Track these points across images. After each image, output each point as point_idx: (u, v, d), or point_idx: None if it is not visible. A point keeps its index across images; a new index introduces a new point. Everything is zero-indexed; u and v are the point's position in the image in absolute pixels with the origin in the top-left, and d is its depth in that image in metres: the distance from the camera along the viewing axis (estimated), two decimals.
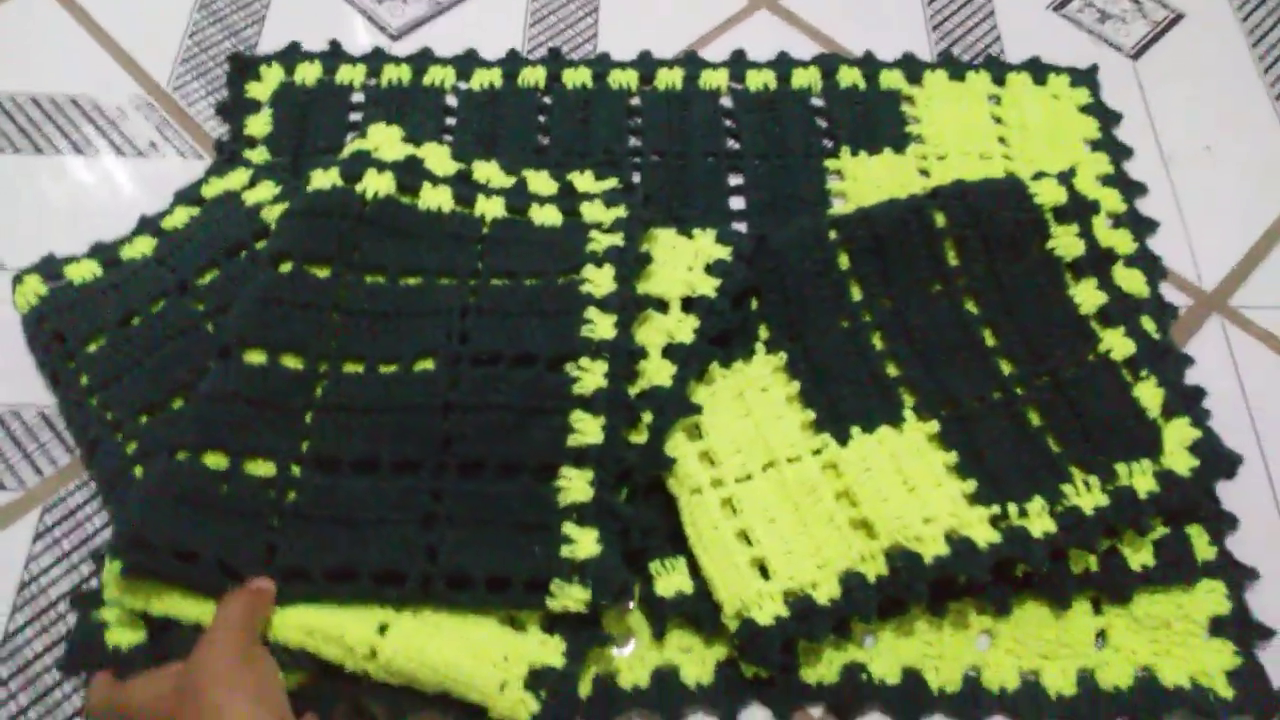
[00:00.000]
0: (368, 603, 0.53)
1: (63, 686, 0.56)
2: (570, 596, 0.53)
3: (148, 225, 0.71)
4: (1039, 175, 0.67)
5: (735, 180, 0.76)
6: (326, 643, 0.52)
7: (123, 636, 0.56)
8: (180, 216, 0.71)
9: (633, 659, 0.57)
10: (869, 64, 0.82)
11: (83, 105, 0.79)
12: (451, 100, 0.80)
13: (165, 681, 0.48)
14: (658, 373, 0.60)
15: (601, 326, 0.59)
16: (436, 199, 0.66)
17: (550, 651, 0.53)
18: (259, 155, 0.76)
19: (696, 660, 0.57)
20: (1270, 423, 0.67)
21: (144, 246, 0.69)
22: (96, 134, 0.78)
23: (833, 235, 0.66)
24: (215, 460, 0.56)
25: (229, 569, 0.53)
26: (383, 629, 0.52)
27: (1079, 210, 0.66)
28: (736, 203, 0.74)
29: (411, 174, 0.67)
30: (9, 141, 0.77)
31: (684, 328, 0.62)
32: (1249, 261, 0.74)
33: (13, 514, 0.62)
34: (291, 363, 0.59)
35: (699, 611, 0.57)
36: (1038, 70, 0.82)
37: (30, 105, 0.79)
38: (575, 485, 0.55)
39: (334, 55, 0.82)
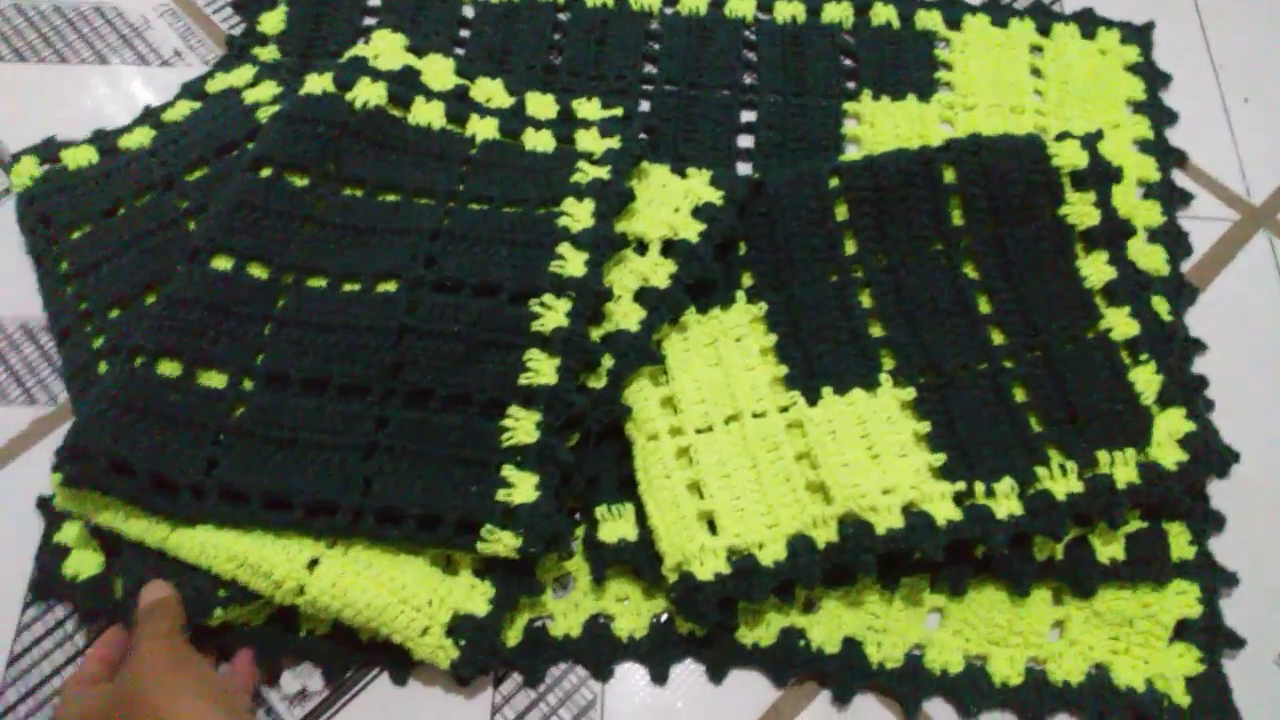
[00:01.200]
0: (299, 534, 0.53)
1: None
2: (501, 542, 0.52)
3: (149, 116, 0.71)
4: (1062, 136, 0.63)
5: (748, 117, 0.72)
6: (255, 576, 0.52)
7: (80, 565, 0.57)
8: (182, 109, 0.71)
9: (567, 605, 0.56)
10: (906, 3, 0.77)
11: (106, 13, 0.78)
12: (469, 11, 0.77)
13: (95, 701, 0.48)
14: (625, 317, 0.59)
15: (572, 263, 0.58)
16: (427, 114, 0.65)
17: (477, 598, 0.53)
18: (269, 53, 0.75)
19: (632, 611, 0.56)
20: None
21: (142, 137, 0.69)
22: (121, 43, 0.77)
23: (833, 183, 0.63)
24: (169, 368, 0.56)
25: (165, 483, 0.53)
26: (312, 564, 0.52)
27: (1099, 177, 0.62)
28: (745, 141, 0.71)
29: (406, 85, 0.65)
30: (33, 51, 0.76)
31: (660, 272, 0.60)
32: None
33: (47, 427, 0.62)
34: (257, 271, 0.59)
35: (640, 561, 0.56)
36: (1088, 23, 0.76)
37: (53, 13, 0.78)
38: (521, 426, 0.54)
39: None
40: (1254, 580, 0.57)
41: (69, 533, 0.58)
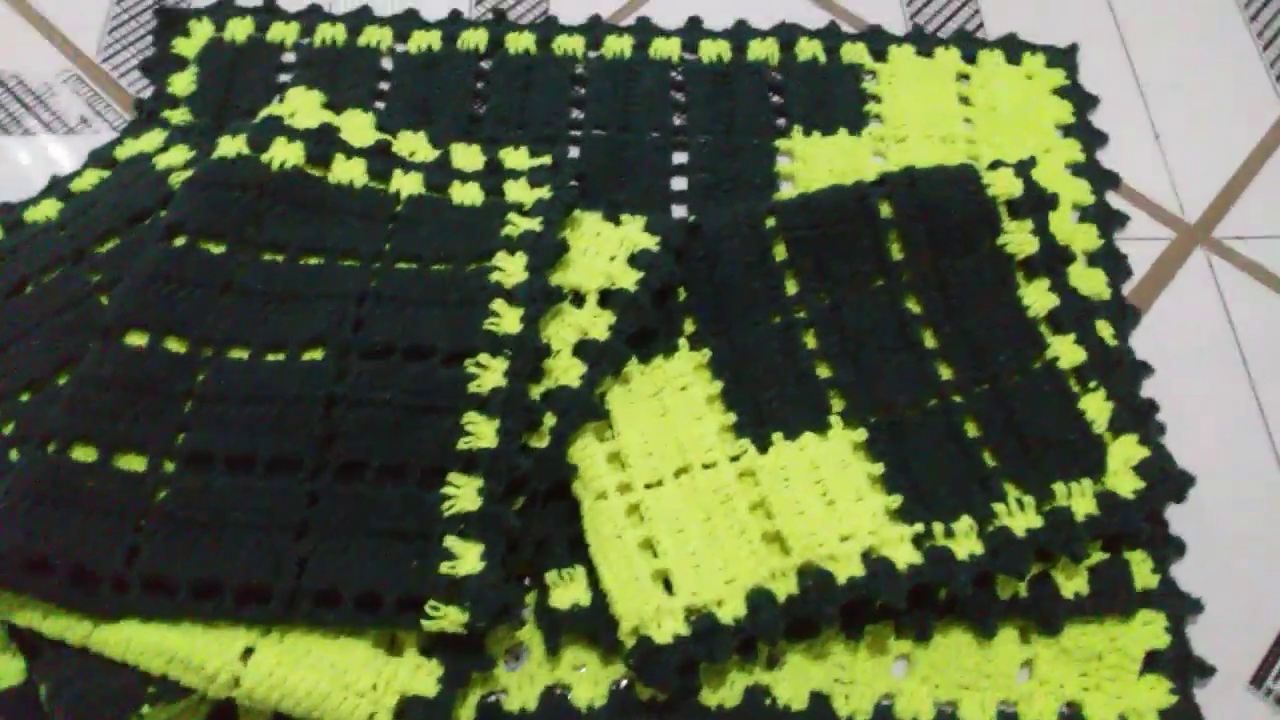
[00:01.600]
0: (231, 623, 0.50)
1: None
2: (447, 618, 0.49)
3: (56, 187, 0.67)
4: (995, 164, 0.62)
5: (680, 158, 0.71)
6: (186, 670, 0.48)
7: (1, 672, 0.53)
8: (90, 178, 0.68)
9: (522, 678, 0.54)
10: (831, 36, 0.76)
11: (5, 81, 0.75)
12: (387, 63, 0.76)
13: None
14: (565, 372, 0.56)
15: (507, 320, 0.56)
16: (349, 172, 0.62)
17: (424, 678, 0.50)
18: (181, 116, 0.72)
19: (590, 680, 0.54)
20: (1262, 358, 0.65)
21: (49, 209, 0.66)
22: (23, 111, 0.74)
23: (770, 223, 0.62)
24: (84, 453, 0.52)
25: (84, 576, 0.49)
26: (247, 654, 0.49)
27: (1035, 205, 0.61)
28: (679, 183, 0.70)
29: (324, 144, 0.62)
30: None
31: (599, 324, 0.58)
32: (1230, 192, 0.72)
33: None
34: (174, 345, 0.56)
35: (596, 626, 0.53)
36: (1012, 48, 0.76)
37: None
38: (463, 494, 0.52)
39: (267, 11, 0.78)
40: (1219, 605, 0.56)
41: None
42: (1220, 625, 0.56)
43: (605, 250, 0.61)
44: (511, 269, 0.57)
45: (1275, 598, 0.57)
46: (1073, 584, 0.55)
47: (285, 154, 0.61)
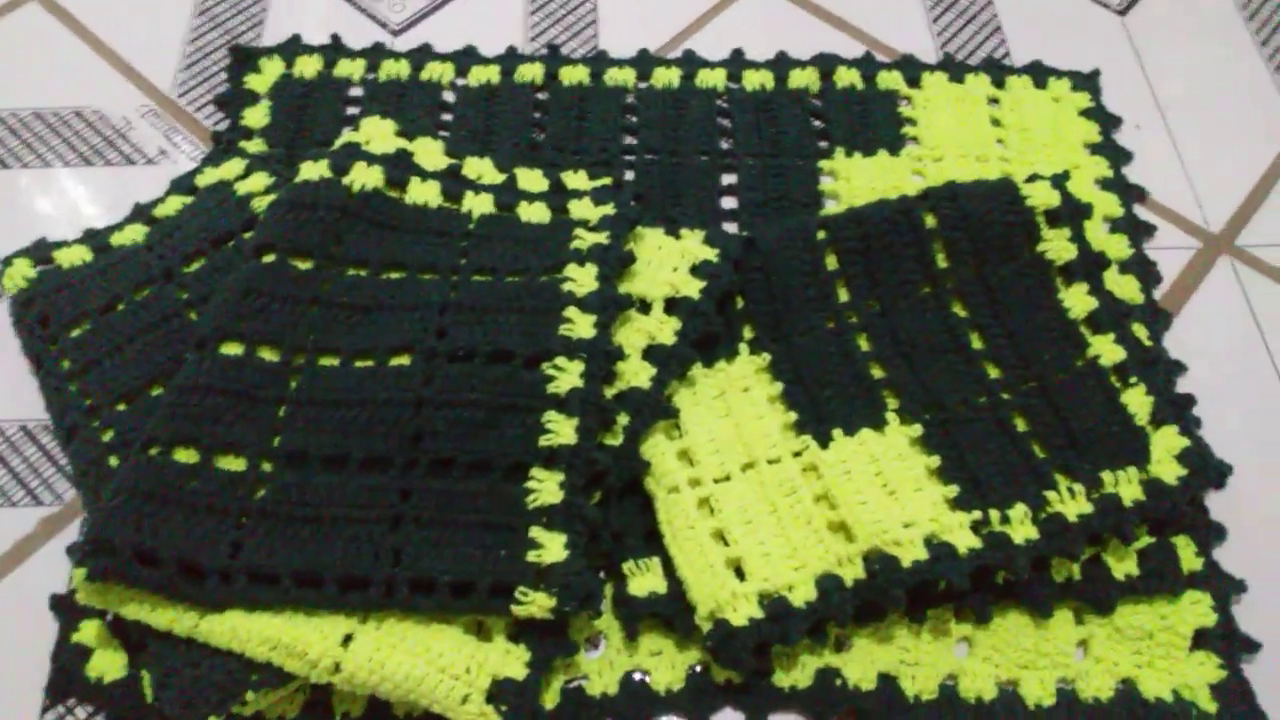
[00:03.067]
0: (331, 611, 0.53)
1: None
2: (535, 603, 0.52)
3: (140, 213, 0.71)
4: (1033, 178, 0.66)
5: (729, 180, 0.75)
6: (289, 656, 0.51)
7: (104, 666, 0.56)
8: (173, 204, 0.71)
9: (602, 664, 0.56)
10: (868, 65, 0.81)
11: (86, 117, 0.79)
12: (449, 96, 0.80)
13: None
14: (636, 374, 0.60)
15: (580, 326, 0.59)
16: (424, 194, 0.66)
17: (513, 662, 0.53)
18: (255, 146, 0.76)
19: (667, 665, 0.56)
20: None
21: (135, 234, 0.69)
22: (105, 145, 0.78)
23: (821, 235, 0.65)
24: (186, 455, 0.56)
25: (191, 569, 0.52)
26: (346, 640, 0.52)
27: (1072, 214, 0.65)
28: (729, 203, 0.74)
29: (400, 168, 0.66)
30: (16, 158, 0.77)
31: (665, 329, 0.62)
32: (1250, 203, 0.76)
33: (55, 526, 0.62)
34: (267, 355, 0.59)
35: (672, 612, 0.56)
36: (1039, 74, 0.81)
37: (33, 120, 0.79)
38: (545, 487, 0.55)
39: (334, 49, 0.82)
40: (1260, 585, 0.59)
41: (88, 632, 0.57)
42: (1263, 604, 0.59)
43: (668, 262, 0.64)
44: (582, 279, 0.61)
45: None
46: (1123, 566, 0.58)
47: (365, 177, 0.65)
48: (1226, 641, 0.57)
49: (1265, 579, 0.59)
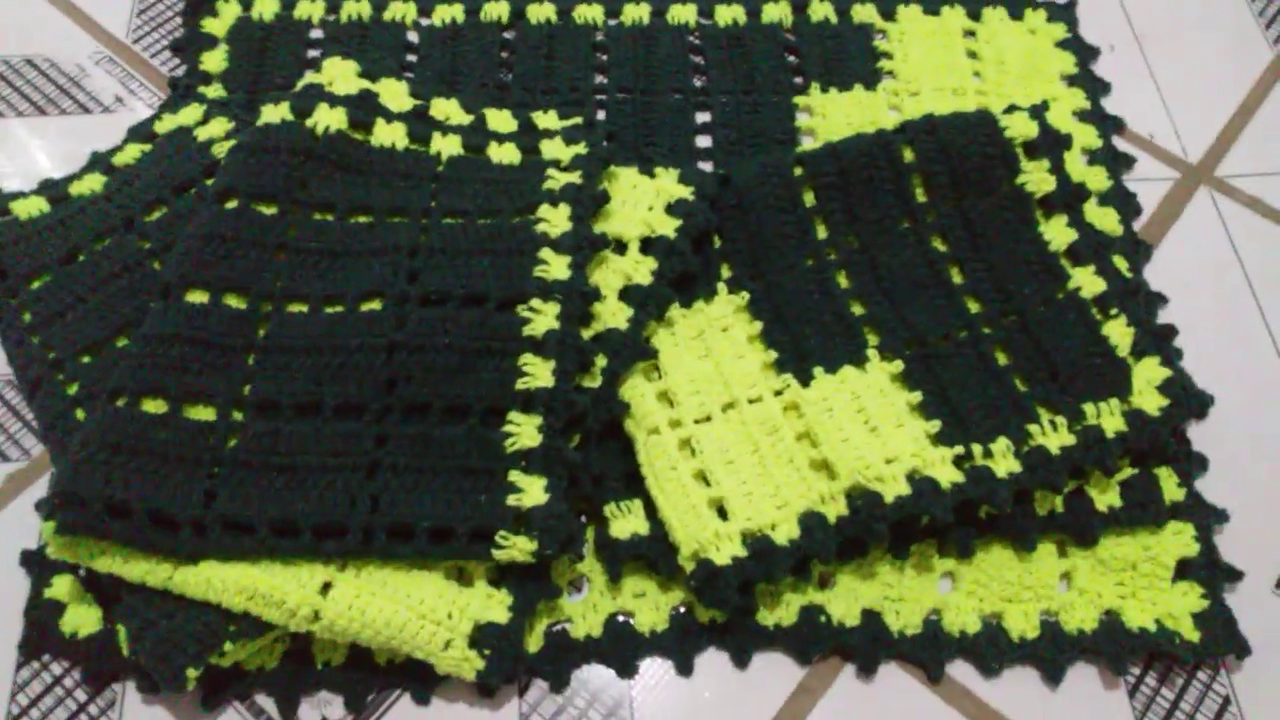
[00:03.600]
0: (309, 560, 0.52)
1: None
2: (516, 547, 0.51)
3: (99, 162, 0.69)
4: (1011, 109, 0.65)
5: (702, 118, 0.74)
6: (267, 606, 0.50)
7: (78, 621, 0.55)
8: (131, 153, 0.69)
9: (585, 606, 0.56)
10: None
11: (38, 64, 0.77)
12: (412, 36, 0.78)
13: None
14: (613, 315, 0.59)
15: (555, 267, 0.58)
16: (390, 135, 0.64)
17: (495, 606, 0.52)
18: (215, 91, 0.74)
19: (651, 606, 0.56)
20: (1267, 287, 0.68)
21: (93, 183, 0.67)
22: (59, 93, 0.75)
23: (798, 171, 0.64)
24: (154, 405, 0.54)
25: (164, 520, 0.51)
26: (325, 588, 0.51)
27: (1051, 145, 0.64)
28: (703, 141, 0.73)
29: (365, 109, 0.64)
30: None
31: (642, 269, 0.60)
32: (1228, 134, 0.75)
33: (22, 483, 0.60)
34: (234, 302, 0.58)
35: (655, 554, 0.55)
36: (1015, 5, 0.79)
37: None
38: (524, 431, 0.54)
39: None
40: (1242, 515, 0.59)
41: (60, 588, 0.56)
42: (1245, 533, 0.59)
43: (643, 201, 0.63)
44: (556, 219, 0.60)
45: None
46: (1106, 498, 0.58)
47: (328, 119, 0.63)
48: (1209, 571, 0.57)
49: (1246, 507, 0.59)
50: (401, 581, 0.52)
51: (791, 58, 0.77)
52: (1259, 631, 0.55)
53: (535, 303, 0.57)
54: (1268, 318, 0.66)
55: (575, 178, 0.62)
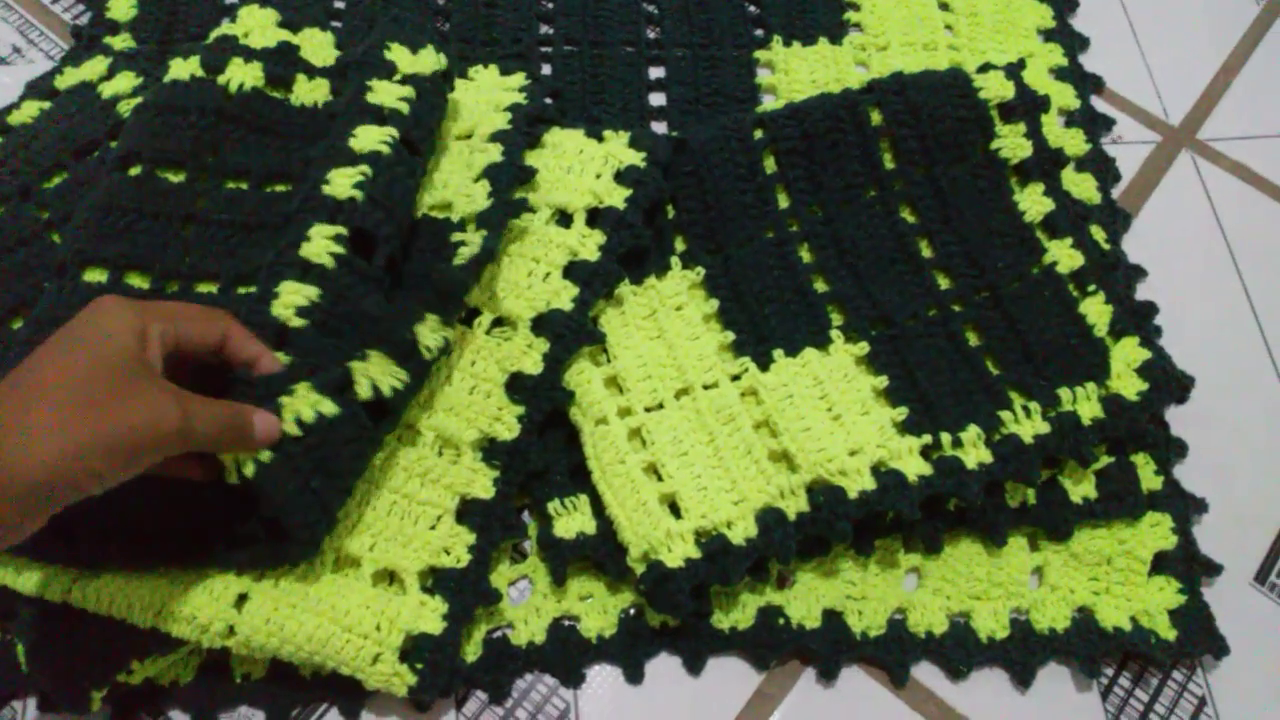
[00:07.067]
0: (222, 571, 0.47)
1: None
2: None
3: None
4: (985, 67, 0.61)
5: (656, 73, 0.68)
6: (177, 622, 0.46)
7: None
8: (29, 110, 0.63)
9: (527, 610, 0.52)
10: None
11: None
12: None
13: None
14: (557, 295, 0.54)
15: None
16: (312, 93, 0.59)
17: (428, 615, 0.48)
18: (123, 42, 0.68)
19: (598, 609, 0.52)
20: (1250, 257, 0.65)
21: None
22: None
23: (758, 135, 0.60)
24: None
25: (62, 529, 0.46)
26: (240, 601, 0.47)
27: (1027, 107, 0.60)
28: (657, 99, 0.68)
29: (284, 64, 0.59)
30: None
31: (589, 244, 0.56)
32: (1211, 94, 0.72)
33: None
34: (136, 282, 0.52)
35: (602, 554, 0.52)
36: None
37: None
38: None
39: None
40: (1221, 504, 0.56)
41: None
42: (1223, 524, 0.56)
43: (590, 168, 0.58)
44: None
45: (1275, 494, 0.57)
46: (1080, 489, 0.54)
47: (243, 75, 0.57)
48: (1187, 565, 0.54)
49: (1225, 496, 0.56)
50: (325, 591, 0.48)
51: (752, 8, 0.72)
52: (1237, 628, 0.53)
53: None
54: (1251, 292, 0.63)
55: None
